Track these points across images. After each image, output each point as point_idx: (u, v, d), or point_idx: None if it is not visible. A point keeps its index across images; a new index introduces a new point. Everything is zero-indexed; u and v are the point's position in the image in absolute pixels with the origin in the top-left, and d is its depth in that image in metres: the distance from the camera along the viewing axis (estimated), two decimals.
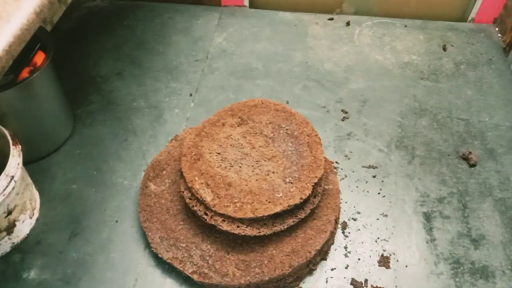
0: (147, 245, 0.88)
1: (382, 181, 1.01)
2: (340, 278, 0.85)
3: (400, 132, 1.11)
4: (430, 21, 1.43)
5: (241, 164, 0.86)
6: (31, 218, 0.91)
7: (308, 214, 0.84)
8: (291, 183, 0.83)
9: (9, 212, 0.83)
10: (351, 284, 0.84)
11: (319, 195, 0.86)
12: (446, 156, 1.06)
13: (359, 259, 0.88)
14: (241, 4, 1.48)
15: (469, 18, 1.44)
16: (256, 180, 0.83)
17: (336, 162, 1.03)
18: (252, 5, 1.49)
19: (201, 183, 0.82)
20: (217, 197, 0.80)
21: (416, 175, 1.02)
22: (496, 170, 1.03)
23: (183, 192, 0.85)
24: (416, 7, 1.45)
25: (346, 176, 1.01)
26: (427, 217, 0.95)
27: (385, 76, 1.26)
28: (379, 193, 0.98)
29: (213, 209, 0.80)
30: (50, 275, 0.85)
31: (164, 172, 0.94)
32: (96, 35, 1.37)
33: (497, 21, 1.42)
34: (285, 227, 0.81)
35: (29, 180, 0.92)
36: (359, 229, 0.92)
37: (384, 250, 0.89)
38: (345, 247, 0.89)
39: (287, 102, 1.17)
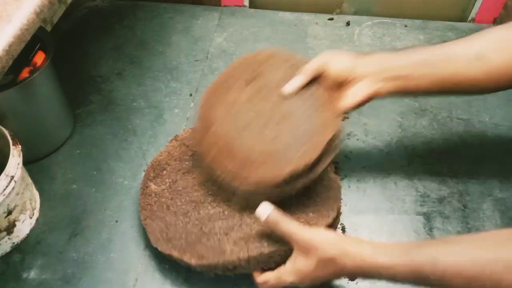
0: (147, 245, 0.88)
1: (382, 181, 1.01)
2: (339, 278, 0.85)
3: (400, 132, 1.11)
4: (430, 21, 1.43)
5: (253, 125, 0.82)
6: (31, 218, 0.91)
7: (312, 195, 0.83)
8: (306, 141, 0.79)
9: (9, 212, 0.83)
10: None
11: (332, 153, 0.82)
12: (446, 156, 1.06)
13: None
14: (241, 4, 1.48)
15: (469, 18, 1.45)
16: (271, 140, 0.80)
17: (336, 162, 1.03)
18: (252, 5, 1.49)
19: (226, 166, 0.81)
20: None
21: (416, 175, 1.02)
22: (496, 170, 1.03)
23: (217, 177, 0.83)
24: (416, 7, 1.45)
25: (346, 176, 1.01)
26: (427, 217, 0.95)
27: None
28: (379, 193, 0.98)
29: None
30: (50, 275, 0.85)
31: (165, 172, 0.94)
32: (96, 35, 1.37)
33: (497, 21, 1.42)
34: (299, 186, 0.79)
35: (29, 180, 0.92)
36: (359, 229, 0.92)
37: None
38: None
39: None
